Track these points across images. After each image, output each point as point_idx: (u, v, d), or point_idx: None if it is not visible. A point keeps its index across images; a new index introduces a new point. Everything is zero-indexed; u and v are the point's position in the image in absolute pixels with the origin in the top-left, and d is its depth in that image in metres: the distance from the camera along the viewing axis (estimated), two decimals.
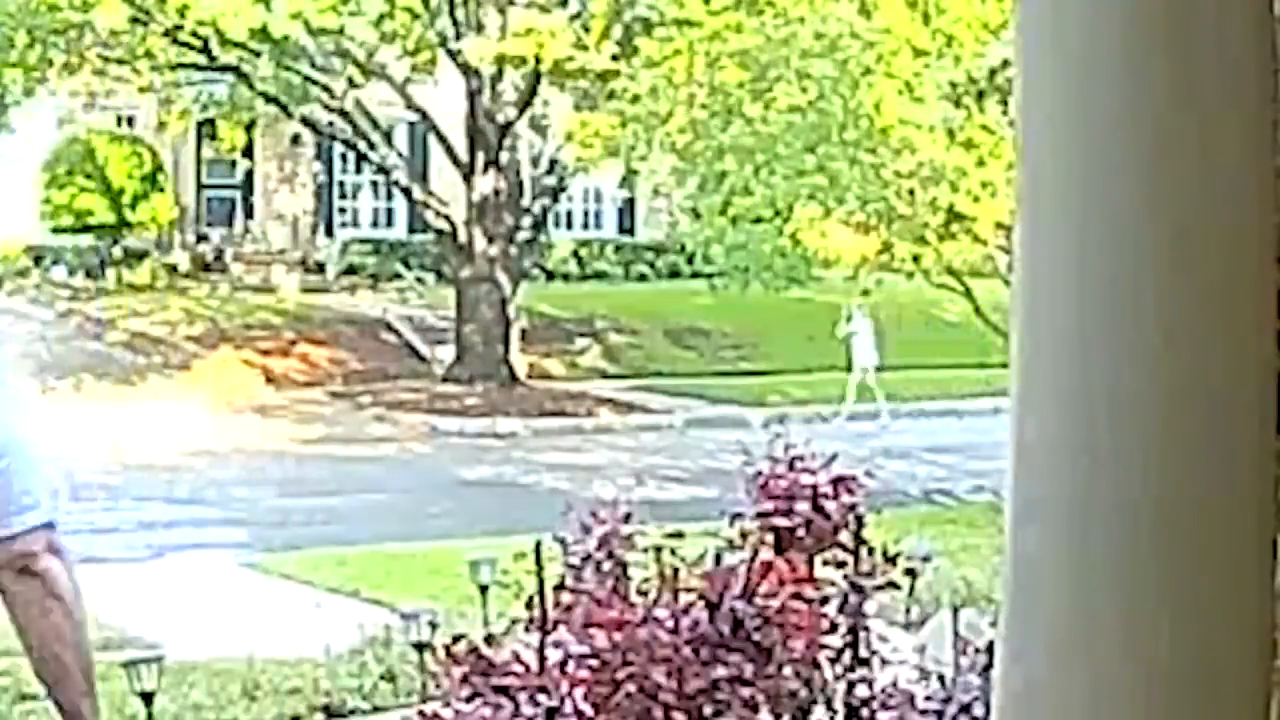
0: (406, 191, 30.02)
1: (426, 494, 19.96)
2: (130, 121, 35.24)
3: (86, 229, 33.47)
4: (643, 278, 36.80)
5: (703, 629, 4.48)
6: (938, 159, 18.27)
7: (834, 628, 4.85)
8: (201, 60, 27.46)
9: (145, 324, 30.52)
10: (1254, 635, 2.06)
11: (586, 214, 38.90)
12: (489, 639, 4.76)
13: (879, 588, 5.12)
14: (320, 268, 35.72)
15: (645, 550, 4.84)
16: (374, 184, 36.76)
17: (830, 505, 5.09)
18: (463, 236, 28.46)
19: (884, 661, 5.04)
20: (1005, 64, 17.01)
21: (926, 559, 8.71)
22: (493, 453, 23.50)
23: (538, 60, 26.01)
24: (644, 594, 4.64)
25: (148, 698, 7.91)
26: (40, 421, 4.23)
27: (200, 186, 37.37)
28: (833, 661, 4.88)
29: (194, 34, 25.89)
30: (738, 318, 30.29)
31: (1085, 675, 2.05)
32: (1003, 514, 2.18)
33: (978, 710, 4.71)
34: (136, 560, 15.19)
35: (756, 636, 4.50)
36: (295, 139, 36.00)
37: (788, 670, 4.56)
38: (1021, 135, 2.14)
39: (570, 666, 4.50)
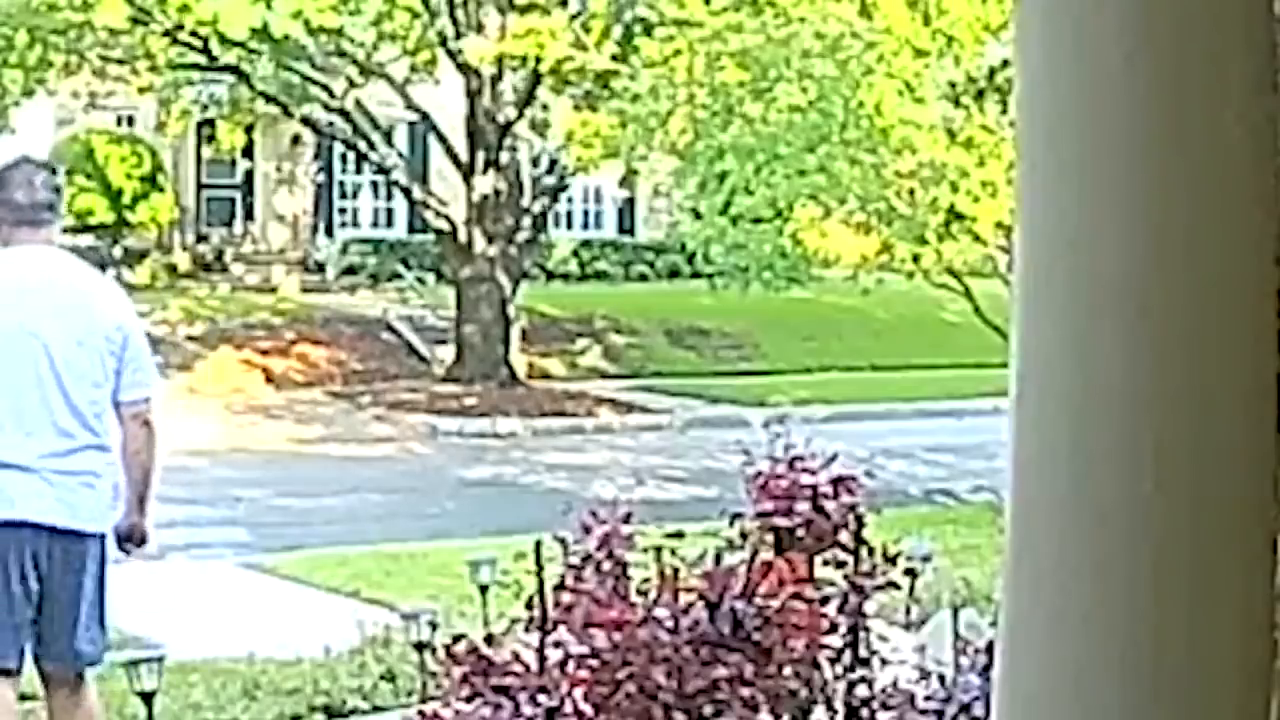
0: (406, 191, 30.00)
1: (426, 494, 19.95)
2: (130, 121, 35.23)
3: (86, 229, 33.43)
4: (643, 278, 36.79)
5: (703, 629, 4.48)
6: (938, 159, 18.26)
7: (834, 628, 4.85)
8: (201, 60, 27.44)
9: (145, 324, 30.41)
10: (1254, 635, 2.06)
11: (586, 214, 38.88)
12: (489, 639, 4.76)
13: (879, 588, 5.12)
14: (320, 268, 35.71)
15: (645, 550, 4.84)
16: (374, 184, 36.75)
17: (830, 505, 5.09)
18: (463, 236, 28.44)
19: (884, 661, 5.04)
20: (1005, 64, 17.01)
21: (926, 559, 8.71)
22: (493, 453, 23.49)
23: (538, 60, 26.00)
24: (644, 594, 4.64)
25: (148, 697, 7.90)
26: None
27: (200, 186, 37.35)
28: (833, 661, 4.88)
29: (194, 34, 25.86)
30: (738, 318, 30.27)
31: (1085, 675, 2.05)
32: (1003, 514, 2.18)
33: (978, 710, 4.71)
34: (136, 560, 15.15)
35: (756, 636, 4.50)
36: (295, 139, 35.99)
37: (788, 670, 4.56)
38: (1021, 135, 2.15)
39: (570, 666, 4.50)
